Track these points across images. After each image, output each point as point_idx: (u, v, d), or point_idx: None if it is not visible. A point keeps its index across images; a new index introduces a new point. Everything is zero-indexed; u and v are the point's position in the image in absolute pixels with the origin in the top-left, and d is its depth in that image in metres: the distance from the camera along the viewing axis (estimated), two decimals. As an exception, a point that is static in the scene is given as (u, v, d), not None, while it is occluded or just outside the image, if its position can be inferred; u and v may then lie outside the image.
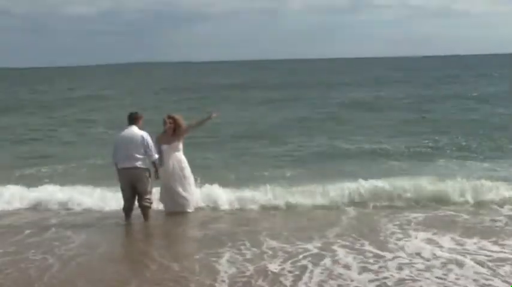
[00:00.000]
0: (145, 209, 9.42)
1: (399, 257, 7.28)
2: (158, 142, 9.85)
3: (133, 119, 9.44)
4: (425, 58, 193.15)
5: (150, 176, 9.39)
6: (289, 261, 7.19)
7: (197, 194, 10.17)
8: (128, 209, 9.43)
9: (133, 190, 9.33)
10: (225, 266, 7.11)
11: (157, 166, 9.44)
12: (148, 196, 9.42)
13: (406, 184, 10.43)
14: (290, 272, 6.84)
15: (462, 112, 24.30)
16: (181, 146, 10.00)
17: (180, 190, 9.80)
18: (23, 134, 21.64)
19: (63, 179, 12.13)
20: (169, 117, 9.97)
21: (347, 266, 6.97)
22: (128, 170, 9.25)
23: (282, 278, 6.62)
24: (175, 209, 9.86)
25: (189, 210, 9.88)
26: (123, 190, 9.42)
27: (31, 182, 11.86)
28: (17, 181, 11.90)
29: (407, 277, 6.59)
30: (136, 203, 9.46)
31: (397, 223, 8.89)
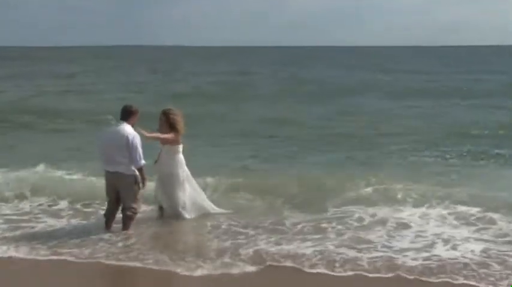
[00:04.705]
0: (126, 218, 8.26)
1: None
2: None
3: (126, 114, 8.04)
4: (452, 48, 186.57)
5: (136, 183, 8.10)
6: None
7: (196, 200, 8.93)
8: (109, 214, 8.33)
9: (117, 194, 8.23)
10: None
11: (144, 173, 8.13)
12: (133, 205, 8.20)
13: None
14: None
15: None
16: (180, 148, 8.69)
17: (173, 194, 8.69)
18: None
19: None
20: (164, 112, 8.62)
21: None
22: (110, 174, 8.13)
23: None
24: (170, 212, 8.82)
25: (187, 216, 8.75)
26: (106, 193, 8.32)
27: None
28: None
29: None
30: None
31: None
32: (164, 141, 8.57)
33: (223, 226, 8.62)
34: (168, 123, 8.52)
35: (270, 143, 15.56)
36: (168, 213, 8.80)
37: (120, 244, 7.82)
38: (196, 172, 9.14)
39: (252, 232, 8.33)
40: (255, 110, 22.54)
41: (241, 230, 8.45)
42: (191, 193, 8.85)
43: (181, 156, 8.71)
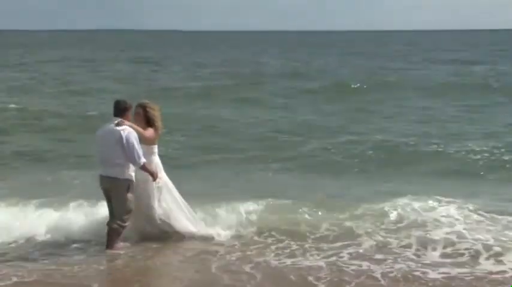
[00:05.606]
0: (112, 233, 7.31)
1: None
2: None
3: (120, 110, 7.27)
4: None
5: (129, 190, 7.23)
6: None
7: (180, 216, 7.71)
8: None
9: None
10: None
11: (148, 168, 7.25)
12: (123, 216, 7.25)
13: None
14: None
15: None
16: (155, 148, 7.59)
17: (149, 205, 7.49)
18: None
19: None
20: (140, 105, 7.55)
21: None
22: (104, 178, 7.30)
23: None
24: (152, 231, 7.62)
25: (175, 227, 7.62)
26: (106, 201, 7.49)
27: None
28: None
29: None
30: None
31: None
32: (140, 138, 7.37)
33: (234, 234, 7.79)
34: (145, 118, 7.48)
35: (291, 150, 13.72)
36: (150, 232, 7.64)
37: (107, 264, 6.94)
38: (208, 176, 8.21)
39: (269, 240, 7.55)
40: (272, 110, 19.85)
41: (256, 238, 7.63)
42: (171, 204, 7.62)
43: (157, 158, 7.61)
